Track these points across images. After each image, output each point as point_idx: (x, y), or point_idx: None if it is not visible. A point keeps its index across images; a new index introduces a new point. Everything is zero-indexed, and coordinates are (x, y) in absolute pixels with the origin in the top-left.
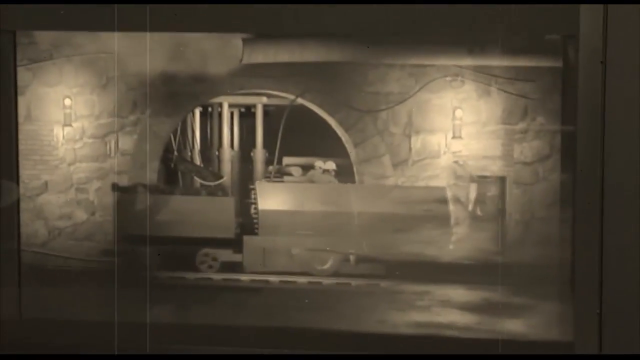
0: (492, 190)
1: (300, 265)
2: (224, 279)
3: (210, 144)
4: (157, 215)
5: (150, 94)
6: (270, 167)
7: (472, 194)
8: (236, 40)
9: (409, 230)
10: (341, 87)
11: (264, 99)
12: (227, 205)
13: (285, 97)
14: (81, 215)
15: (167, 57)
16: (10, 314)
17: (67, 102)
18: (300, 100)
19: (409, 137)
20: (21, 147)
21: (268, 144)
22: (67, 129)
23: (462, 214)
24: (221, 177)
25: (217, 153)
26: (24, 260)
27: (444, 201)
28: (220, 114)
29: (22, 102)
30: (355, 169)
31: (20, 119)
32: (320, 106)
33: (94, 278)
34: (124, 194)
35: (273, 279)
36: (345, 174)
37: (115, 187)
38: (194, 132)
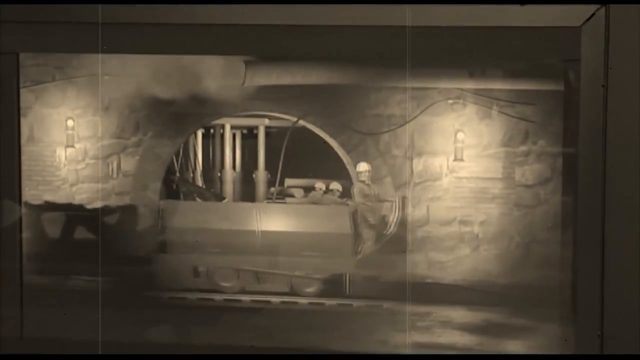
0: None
1: (207, 282)
2: (225, 299)
3: (212, 166)
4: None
5: (153, 116)
6: (272, 189)
7: (379, 214)
8: (239, 63)
9: (312, 248)
10: (343, 110)
11: (266, 121)
12: None
13: (287, 119)
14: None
15: (169, 79)
16: (11, 333)
17: (70, 123)
18: (302, 122)
19: (411, 159)
20: (24, 168)
21: (270, 166)
22: (69, 150)
23: (368, 234)
24: (223, 199)
25: (219, 174)
26: (25, 280)
27: (347, 220)
28: (222, 136)
29: (24, 123)
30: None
31: (23, 140)
32: (322, 128)
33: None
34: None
35: (275, 299)
36: (347, 196)
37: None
38: (196, 154)
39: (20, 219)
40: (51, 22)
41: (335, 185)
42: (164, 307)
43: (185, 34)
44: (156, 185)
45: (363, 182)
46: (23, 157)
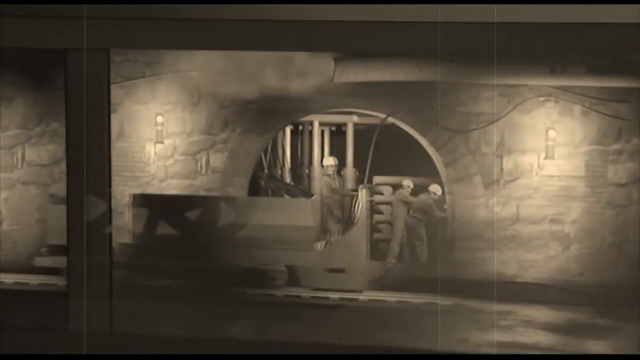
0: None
1: None
2: (313, 297)
3: (300, 162)
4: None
5: (242, 112)
6: (361, 186)
7: (348, 205)
8: (328, 59)
9: (276, 241)
10: (432, 107)
11: (355, 118)
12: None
13: (376, 116)
14: None
15: (258, 76)
16: (100, 327)
17: (159, 119)
18: (391, 120)
19: (501, 157)
20: (113, 163)
21: (358, 163)
22: (158, 146)
23: (334, 226)
24: (311, 196)
25: (307, 171)
26: (114, 274)
27: (310, 213)
28: (310, 133)
29: (114, 119)
30: (446, 189)
31: (113, 136)
32: (411, 125)
33: (181, 294)
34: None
35: (363, 297)
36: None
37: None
38: (284, 151)
39: (110, 214)
40: (141, 19)
41: (435, 188)
42: (247, 303)
43: (275, 30)
44: (244, 182)
45: (329, 175)
46: (112, 153)
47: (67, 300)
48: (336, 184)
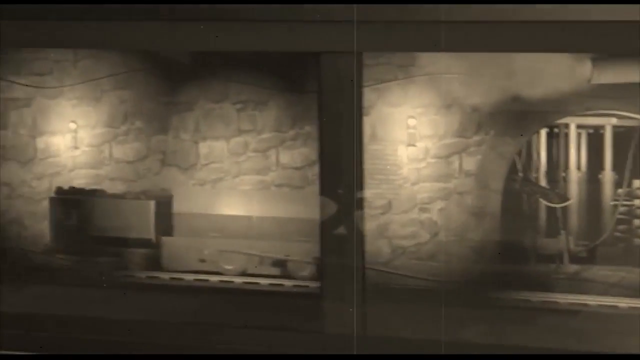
0: None
1: (210, 264)
2: (544, 301)
3: (556, 166)
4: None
5: (495, 114)
6: (620, 190)
7: None
8: (585, 60)
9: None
10: None
11: (614, 120)
12: (146, 209)
13: (637, 118)
14: (424, 234)
15: (511, 78)
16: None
17: (411, 122)
18: None
19: None
20: (366, 166)
21: (617, 166)
22: (410, 149)
23: None
24: (567, 199)
25: (563, 174)
26: (368, 277)
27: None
28: (566, 135)
29: (367, 122)
30: None
31: (366, 139)
32: None
33: (434, 297)
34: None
35: (593, 302)
36: None
37: None
38: (539, 153)
39: (363, 219)
40: (394, 22)
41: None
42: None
43: (529, 31)
44: (498, 185)
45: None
46: (366, 156)
47: (320, 302)
48: None
